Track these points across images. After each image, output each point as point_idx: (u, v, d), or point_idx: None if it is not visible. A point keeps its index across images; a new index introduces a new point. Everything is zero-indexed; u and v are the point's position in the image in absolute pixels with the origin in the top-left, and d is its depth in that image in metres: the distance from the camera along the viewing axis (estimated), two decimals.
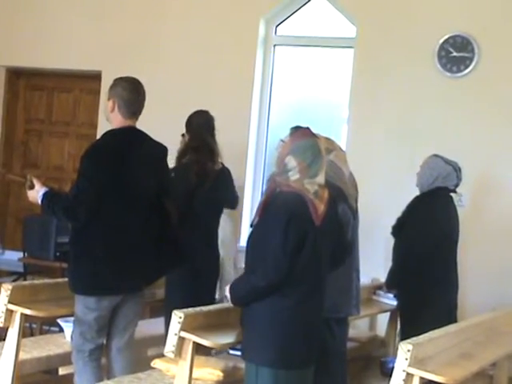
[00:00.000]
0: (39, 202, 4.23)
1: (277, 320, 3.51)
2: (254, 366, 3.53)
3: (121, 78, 4.39)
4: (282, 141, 3.70)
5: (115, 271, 4.22)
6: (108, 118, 4.40)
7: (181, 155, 5.17)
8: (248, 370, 3.59)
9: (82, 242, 4.24)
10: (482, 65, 6.26)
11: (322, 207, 3.57)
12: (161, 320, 5.12)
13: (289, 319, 3.52)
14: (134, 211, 4.27)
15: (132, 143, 4.32)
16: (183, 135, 5.28)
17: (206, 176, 5.11)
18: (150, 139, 4.44)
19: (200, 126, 5.25)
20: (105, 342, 4.41)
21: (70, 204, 4.15)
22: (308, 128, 3.72)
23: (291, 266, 3.48)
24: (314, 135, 3.68)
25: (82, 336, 4.27)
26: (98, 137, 4.54)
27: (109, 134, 4.35)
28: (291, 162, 3.59)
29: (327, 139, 4.18)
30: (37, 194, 4.24)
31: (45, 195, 4.22)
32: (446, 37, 6.34)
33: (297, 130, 3.69)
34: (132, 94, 4.32)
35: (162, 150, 4.50)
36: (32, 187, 4.27)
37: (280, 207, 3.53)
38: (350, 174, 4.20)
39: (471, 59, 6.28)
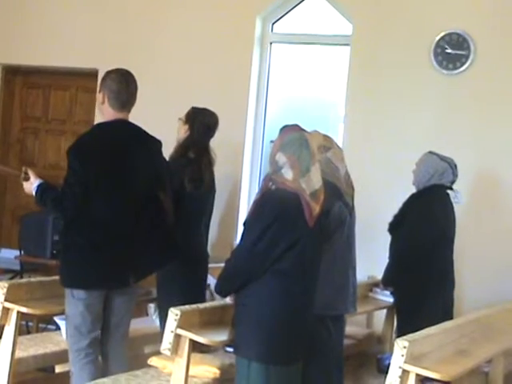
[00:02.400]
0: (33, 193, 4.28)
1: (266, 316, 3.54)
2: (246, 361, 3.56)
3: (111, 70, 4.39)
4: (272, 142, 3.75)
5: (102, 265, 4.21)
6: (100, 111, 4.39)
7: (179, 151, 5.14)
8: (239, 365, 3.61)
9: (70, 235, 4.26)
10: (478, 62, 6.26)
11: (317, 209, 3.59)
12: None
13: (277, 316, 3.55)
14: (123, 206, 4.25)
15: (122, 137, 4.29)
16: (182, 120, 5.24)
17: (202, 177, 5.10)
18: (144, 133, 4.40)
19: (205, 127, 5.22)
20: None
21: (59, 198, 4.20)
22: (296, 124, 3.75)
23: (261, 264, 3.52)
24: (301, 129, 3.71)
25: (77, 330, 4.24)
26: None
27: (96, 127, 4.35)
28: (281, 158, 3.62)
29: (325, 137, 4.20)
30: (31, 185, 4.29)
31: (39, 187, 4.27)
32: (442, 34, 6.34)
33: (285, 128, 3.73)
34: (121, 85, 4.30)
35: (156, 143, 4.46)
36: (27, 179, 4.32)
37: (270, 203, 3.57)
38: (346, 172, 4.20)
39: (467, 56, 6.28)
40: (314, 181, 3.60)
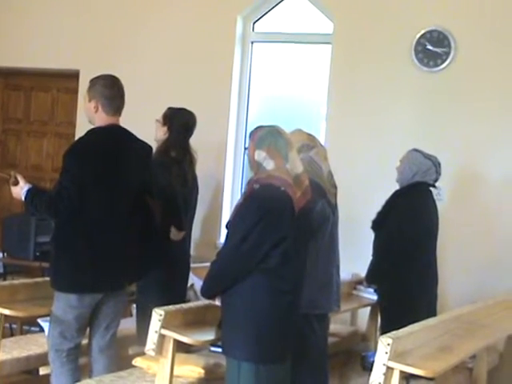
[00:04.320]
0: (23, 198, 4.26)
1: (255, 316, 3.53)
2: (236, 361, 3.55)
3: (97, 77, 4.36)
4: (246, 148, 3.76)
5: (96, 268, 4.21)
6: (92, 120, 4.37)
7: (161, 151, 5.14)
8: (229, 366, 3.60)
9: (63, 238, 4.25)
10: (459, 59, 6.29)
11: (298, 194, 3.59)
12: None
13: (266, 315, 3.55)
14: (116, 209, 4.27)
15: (116, 142, 4.32)
16: (160, 122, 5.24)
17: (185, 177, 5.10)
18: (135, 138, 4.43)
19: (183, 127, 5.21)
20: (85, 341, 4.40)
21: (52, 200, 4.18)
22: (259, 126, 3.80)
23: (247, 264, 3.52)
24: (269, 126, 3.76)
25: (61, 335, 4.24)
26: (77, 135, 4.54)
27: (92, 132, 4.34)
28: (260, 154, 3.66)
29: (309, 135, 4.23)
30: (21, 190, 4.26)
31: (28, 191, 4.24)
32: (423, 31, 6.36)
33: (251, 133, 3.79)
34: (113, 90, 4.31)
35: (147, 149, 4.50)
36: (16, 184, 4.30)
37: (254, 202, 3.57)
38: (329, 171, 4.22)
39: (448, 54, 6.31)
40: (295, 165, 3.63)
